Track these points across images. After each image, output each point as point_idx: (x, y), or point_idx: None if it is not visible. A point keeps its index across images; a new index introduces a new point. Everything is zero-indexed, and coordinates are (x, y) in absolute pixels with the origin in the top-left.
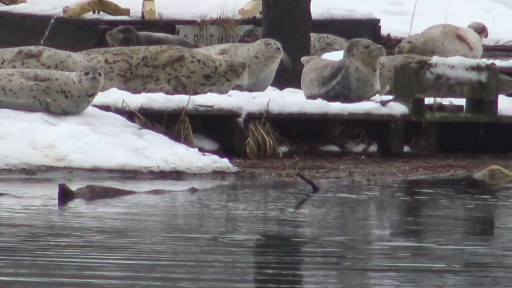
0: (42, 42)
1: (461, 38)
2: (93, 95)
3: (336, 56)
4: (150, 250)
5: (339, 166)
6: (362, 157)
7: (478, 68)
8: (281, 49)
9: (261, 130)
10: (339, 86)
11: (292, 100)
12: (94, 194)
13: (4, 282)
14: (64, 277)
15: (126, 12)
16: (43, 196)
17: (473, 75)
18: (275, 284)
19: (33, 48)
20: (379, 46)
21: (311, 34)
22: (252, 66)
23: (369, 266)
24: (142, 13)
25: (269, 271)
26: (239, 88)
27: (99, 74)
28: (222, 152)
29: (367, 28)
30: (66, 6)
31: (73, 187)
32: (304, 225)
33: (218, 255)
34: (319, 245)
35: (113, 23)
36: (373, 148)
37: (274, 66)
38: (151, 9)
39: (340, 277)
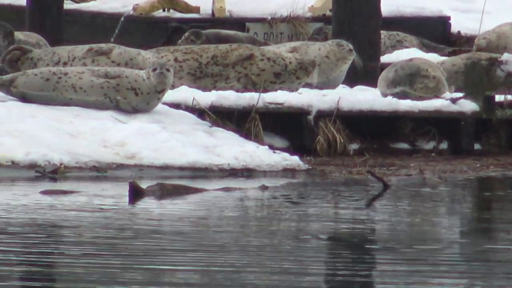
0: (112, 40)
1: None
2: (162, 91)
3: (406, 54)
4: (222, 250)
5: (410, 163)
6: (433, 154)
7: None
8: (353, 50)
9: (332, 128)
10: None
11: (362, 98)
12: (165, 192)
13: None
14: (134, 283)
15: (196, 10)
16: (113, 194)
17: None
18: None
19: (103, 46)
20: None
21: (381, 31)
22: (322, 65)
23: (441, 268)
24: (212, 10)
25: (341, 272)
26: (309, 86)
27: (167, 70)
28: (292, 149)
29: (437, 25)
30: (136, 4)
31: (144, 185)
32: (375, 223)
33: (289, 254)
34: (390, 245)
35: (183, 21)
36: (444, 145)
37: (345, 67)
38: (221, 7)
39: (410, 277)
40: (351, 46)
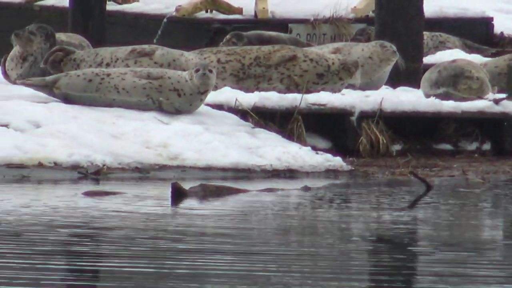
0: (155, 41)
1: None
2: (205, 92)
3: (449, 55)
4: (265, 252)
5: (453, 164)
6: (476, 155)
7: None
8: (397, 52)
9: (374, 129)
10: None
11: (405, 99)
12: (207, 193)
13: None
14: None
15: (239, 11)
16: (156, 195)
17: None
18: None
19: (146, 47)
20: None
21: (424, 32)
22: (365, 66)
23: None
24: (255, 12)
25: (383, 274)
26: (352, 87)
27: (210, 71)
28: (335, 150)
29: (480, 26)
30: (179, 5)
31: (186, 186)
32: (418, 224)
33: (332, 256)
34: (432, 247)
35: (226, 22)
36: (487, 146)
37: (388, 68)
38: (263, 8)
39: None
40: (394, 48)
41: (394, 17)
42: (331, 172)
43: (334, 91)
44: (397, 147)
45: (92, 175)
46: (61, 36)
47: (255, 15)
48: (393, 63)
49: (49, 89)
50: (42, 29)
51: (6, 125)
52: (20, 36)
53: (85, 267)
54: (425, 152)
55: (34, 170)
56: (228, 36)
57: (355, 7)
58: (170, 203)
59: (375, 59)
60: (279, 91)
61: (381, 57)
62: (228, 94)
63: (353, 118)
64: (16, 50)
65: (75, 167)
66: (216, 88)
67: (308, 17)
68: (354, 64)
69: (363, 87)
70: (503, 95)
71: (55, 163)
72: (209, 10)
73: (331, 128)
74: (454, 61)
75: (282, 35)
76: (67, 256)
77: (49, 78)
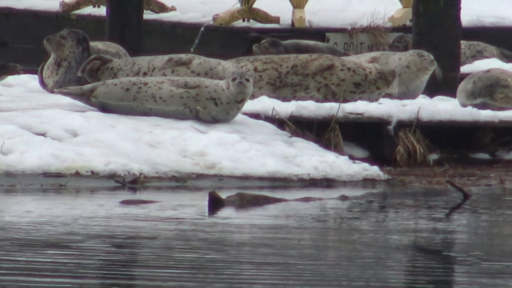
0: (192, 50)
1: None
2: (242, 101)
3: (486, 64)
4: (302, 263)
5: (490, 173)
6: None
7: None
8: (434, 61)
9: (412, 138)
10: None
11: (442, 108)
12: (244, 202)
13: None
14: None
15: (276, 20)
16: (193, 204)
17: None
18: None
19: (183, 56)
20: None
21: (461, 41)
22: (403, 75)
23: None
24: (292, 21)
25: (420, 283)
26: (389, 96)
27: (247, 80)
28: (372, 159)
29: None
30: (216, 14)
31: (223, 195)
32: (456, 234)
33: (370, 264)
34: (470, 256)
35: (263, 31)
36: None
37: (425, 77)
38: (301, 17)
39: None
40: (432, 57)
41: (431, 26)
42: (368, 181)
43: (371, 100)
44: (434, 156)
45: (129, 184)
46: (98, 44)
47: (292, 24)
48: (430, 73)
49: (86, 98)
50: (73, 33)
51: (43, 134)
52: (51, 40)
53: (122, 276)
54: (462, 161)
55: (71, 179)
56: (263, 42)
57: (392, 16)
58: (207, 212)
59: (413, 68)
60: (316, 100)
61: (419, 66)
62: (265, 103)
63: (390, 127)
64: (52, 57)
65: (112, 176)
66: (253, 97)
67: (345, 26)
68: (392, 74)
69: (400, 96)
70: None
71: (92, 172)
72: (246, 19)
73: (368, 137)
74: (488, 71)
75: (320, 44)
76: (105, 266)
77: (86, 87)
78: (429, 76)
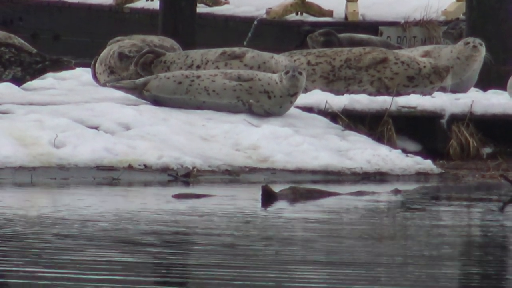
0: (245, 43)
1: None
2: (295, 95)
3: None
4: (355, 262)
5: None
6: None
7: None
8: (479, 46)
9: (465, 132)
10: None
11: (495, 101)
12: (297, 196)
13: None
14: None
15: (329, 13)
16: (246, 198)
17: None
18: None
19: (236, 49)
20: None
21: None
22: (455, 67)
23: None
24: (345, 14)
25: (474, 278)
26: (443, 89)
27: (300, 73)
28: (425, 153)
29: None
30: (269, 8)
31: (276, 188)
32: (508, 228)
33: (422, 263)
34: None
35: (316, 25)
36: None
37: (477, 66)
38: (354, 11)
39: None
40: (476, 42)
41: (485, 19)
42: (421, 175)
43: (424, 94)
44: (487, 150)
45: (182, 177)
46: (153, 39)
47: (346, 17)
48: (481, 59)
49: (139, 91)
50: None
51: (96, 127)
52: (123, 61)
53: (176, 270)
54: None
55: (124, 172)
56: (316, 33)
57: (445, 9)
58: (260, 205)
59: (462, 57)
60: (369, 94)
61: (465, 55)
62: (318, 96)
63: (443, 121)
64: (105, 53)
65: (164, 169)
66: (306, 90)
67: (398, 20)
68: (446, 69)
69: (453, 89)
70: None
71: (145, 166)
72: (299, 13)
73: (421, 130)
74: None
75: (374, 38)
76: (159, 261)
77: (139, 80)
78: (482, 66)
